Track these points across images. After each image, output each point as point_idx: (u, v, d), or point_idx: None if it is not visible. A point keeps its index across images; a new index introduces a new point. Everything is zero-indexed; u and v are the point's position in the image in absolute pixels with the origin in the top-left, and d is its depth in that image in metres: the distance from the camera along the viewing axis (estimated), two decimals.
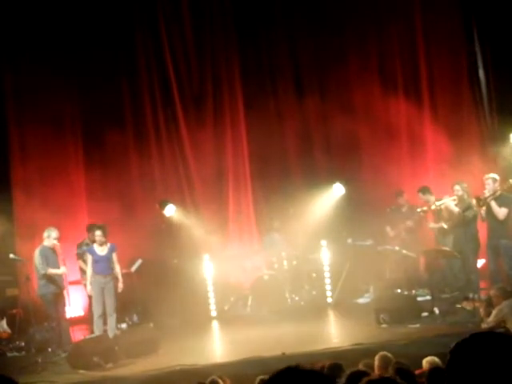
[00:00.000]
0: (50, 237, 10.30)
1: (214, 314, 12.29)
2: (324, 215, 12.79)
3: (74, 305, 11.34)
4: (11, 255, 10.71)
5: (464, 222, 10.78)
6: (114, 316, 10.45)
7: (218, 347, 10.76)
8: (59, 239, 10.38)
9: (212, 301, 12.36)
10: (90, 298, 10.67)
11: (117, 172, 12.68)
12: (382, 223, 12.60)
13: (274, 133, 13.39)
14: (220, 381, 6.23)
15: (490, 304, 9.06)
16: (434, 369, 5.31)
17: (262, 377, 5.74)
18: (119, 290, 10.50)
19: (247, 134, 13.61)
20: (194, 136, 13.49)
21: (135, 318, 12.15)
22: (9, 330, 10.87)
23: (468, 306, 10.20)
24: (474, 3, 13.57)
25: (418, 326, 9.76)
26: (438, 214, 11.52)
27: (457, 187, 10.99)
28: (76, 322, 11.63)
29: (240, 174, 13.70)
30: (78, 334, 11.02)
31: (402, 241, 12.15)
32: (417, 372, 5.81)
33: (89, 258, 10.45)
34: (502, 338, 2.22)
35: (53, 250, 10.38)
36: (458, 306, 10.51)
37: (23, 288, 10.78)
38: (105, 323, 10.46)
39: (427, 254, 11.30)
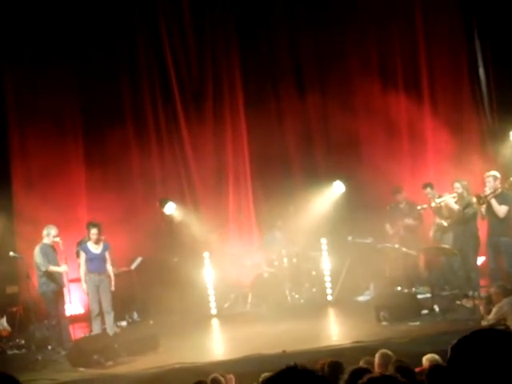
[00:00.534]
0: (50, 234, 10.30)
1: (213, 311, 12.28)
2: (324, 213, 12.80)
3: (75, 303, 11.33)
4: (11, 253, 10.70)
5: (464, 220, 10.78)
6: (112, 314, 10.45)
7: (217, 345, 10.76)
8: (59, 237, 10.37)
9: (212, 298, 12.36)
10: (87, 295, 10.66)
11: (117, 170, 12.69)
12: (382, 221, 12.60)
13: (275, 131, 13.39)
14: (222, 378, 6.22)
15: (489, 301, 9.07)
16: (434, 366, 5.30)
17: (266, 374, 5.75)
18: (112, 288, 10.50)
19: (247, 133, 13.61)
20: (194, 134, 13.49)
21: (135, 315, 12.16)
22: (9, 328, 10.87)
23: (468, 303, 10.22)
24: (475, 2, 13.56)
25: (418, 323, 9.77)
26: (438, 212, 11.51)
27: (457, 185, 10.98)
28: (76, 319, 11.62)
29: (240, 172, 13.70)
30: (78, 332, 11.01)
31: (401, 238, 12.14)
32: (417, 370, 5.81)
33: (82, 256, 10.43)
34: (502, 336, 2.22)
35: (53, 247, 10.38)
36: (458, 303, 10.51)
37: (23, 286, 10.78)
38: (103, 321, 10.46)
39: (427, 251, 11.30)
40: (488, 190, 10.51)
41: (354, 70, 13.75)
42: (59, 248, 10.38)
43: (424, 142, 13.59)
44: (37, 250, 10.25)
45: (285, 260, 12.51)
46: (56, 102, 12.74)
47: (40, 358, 9.58)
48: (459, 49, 13.69)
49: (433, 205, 11.23)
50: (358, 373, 4.22)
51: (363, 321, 10.28)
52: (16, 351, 10.53)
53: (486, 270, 11.11)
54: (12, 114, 12.78)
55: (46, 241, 10.32)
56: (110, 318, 10.42)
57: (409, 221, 12.18)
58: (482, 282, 11.06)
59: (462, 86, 13.72)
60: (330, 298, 12.39)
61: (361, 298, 12.20)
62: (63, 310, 10.63)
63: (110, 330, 10.38)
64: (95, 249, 10.44)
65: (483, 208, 10.56)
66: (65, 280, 10.42)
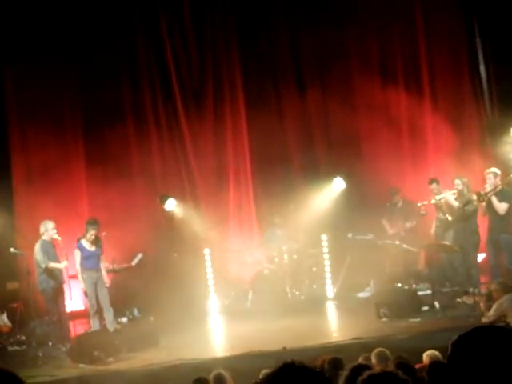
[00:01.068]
0: (48, 230, 10.29)
1: (214, 308, 12.29)
2: (324, 210, 12.79)
3: (75, 299, 11.33)
4: (12, 249, 10.70)
5: (464, 217, 10.78)
6: (111, 310, 10.47)
7: (218, 341, 10.78)
8: (59, 233, 10.37)
9: (212, 295, 12.37)
10: (84, 294, 10.66)
11: (118, 167, 12.68)
12: (381, 218, 12.62)
13: (275, 128, 13.37)
14: (226, 374, 6.22)
15: (490, 298, 9.08)
16: (434, 363, 5.32)
17: (266, 371, 5.75)
18: (107, 285, 10.52)
19: (248, 130, 13.59)
20: (194, 132, 13.48)
21: (136, 312, 12.17)
22: (9, 324, 10.87)
23: (468, 300, 10.22)
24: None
25: (418, 320, 9.79)
26: (439, 208, 11.50)
27: (457, 181, 10.98)
28: (77, 316, 11.63)
29: (241, 170, 13.69)
30: (78, 329, 11.03)
31: (402, 239, 12.14)
32: (417, 366, 5.82)
33: (77, 254, 10.42)
34: (502, 332, 2.22)
35: (52, 243, 10.37)
36: (459, 300, 10.51)
37: (24, 282, 10.78)
38: (102, 318, 10.47)
39: (427, 248, 11.30)
40: (488, 187, 10.51)
41: (354, 68, 13.73)
42: (59, 245, 10.38)
43: (424, 138, 13.58)
44: (37, 246, 10.25)
45: (285, 257, 12.50)
46: (56, 99, 12.74)
47: (40, 354, 9.58)
48: (460, 46, 13.67)
49: (433, 201, 11.22)
50: (359, 369, 4.22)
51: (363, 317, 10.29)
52: (16, 347, 10.53)
53: (487, 267, 11.12)
54: (12, 111, 12.77)
55: (45, 237, 10.31)
56: (109, 315, 10.43)
57: (408, 224, 12.19)
58: (483, 279, 11.06)
59: (462, 84, 13.70)
60: (330, 294, 12.40)
61: (361, 295, 12.21)
62: (63, 306, 10.64)
63: (110, 326, 10.40)
64: (90, 246, 10.45)
65: (483, 205, 10.57)
66: (65, 276, 10.43)
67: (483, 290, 10.15)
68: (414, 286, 11.74)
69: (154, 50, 13.46)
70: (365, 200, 12.82)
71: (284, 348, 8.49)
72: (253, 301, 12.24)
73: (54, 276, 10.26)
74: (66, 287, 10.51)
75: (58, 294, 10.37)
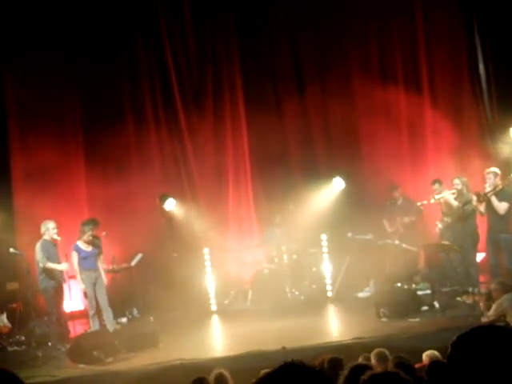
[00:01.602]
0: (49, 229, 10.29)
1: (214, 308, 12.30)
2: (324, 209, 12.79)
3: (75, 299, 11.33)
4: (11, 249, 10.70)
5: (463, 216, 10.79)
6: (110, 310, 10.46)
7: (218, 341, 10.77)
8: (58, 233, 10.37)
9: (212, 295, 12.37)
10: (84, 294, 10.66)
11: (117, 167, 12.69)
12: (381, 217, 12.62)
13: (275, 128, 13.36)
14: (227, 374, 6.22)
15: (489, 298, 9.09)
16: (434, 362, 5.32)
17: (265, 370, 5.75)
18: (105, 284, 10.52)
19: (247, 130, 13.60)
20: (194, 132, 13.48)
21: (135, 312, 12.16)
22: (9, 325, 10.87)
23: (468, 299, 10.22)
24: None
25: (418, 319, 9.79)
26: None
27: (456, 181, 10.98)
28: (77, 316, 11.63)
29: (240, 169, 13.70)
30: (78, 329, 11.03)
31: (401, 235, 12.15)
32: (417, 366, 5.82)
33: (74, 255, 10.41)
34: (502, 332, 2.22)
35: (53, 243, 10.38)
36: (458, 299, 10.52)
37: (23, 282, 10.78)
38: (101, 319, 10.47)
39: (427, 248, 11.30)
40: (488, 187, 10.51)
41: (354, 68, 13.74)
42: (57, 244, 10.38)
43: (424, 138, 13.59)
44: (37, 246, 10.26)
45: (285, 256, 12.50)
46: (56, 100, 12.73)
47: (40, 354, 9.57)
48: (459, 45, 13.68)
49: (432, 201, 11.22)
50: (358, 369, 4.23)
51: (363, 317, 10.30)
52: (16, 347, 10.52)
53: (486, 267, 11.12)
54: (12, 111, 12.76)
55: (46, 237, 10.32)
56: (109, 315, 10.43)
57: (407, 218, 12.18)
58: (482, 279, 11.07)
59: (462, 83, 13.71)
60: (329, 294, 12.41)
61: (361, 295, 12.21)
62: (62, 306, 10.64)
63: (110, 326, 10.40)
64: (86, 247, 10.45)
65: (482, 207, 10.57)
66: (65, 276, 10.43)
67: (483, 289, 10.16)
68: (413, 285, 11.74)
69: (154, 50, 13.46)
70: (364, 200, 12.82)
71: (283, 348, 8.48)
72: (252, 300, 12.25)
73: (54, 276, 10.26)
74: (66, 287, 10.49)
75: (57, 293, 10.38)
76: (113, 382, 8.26)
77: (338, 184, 12.95)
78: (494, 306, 8.76)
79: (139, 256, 12.21)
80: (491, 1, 13.21)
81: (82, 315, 11.77)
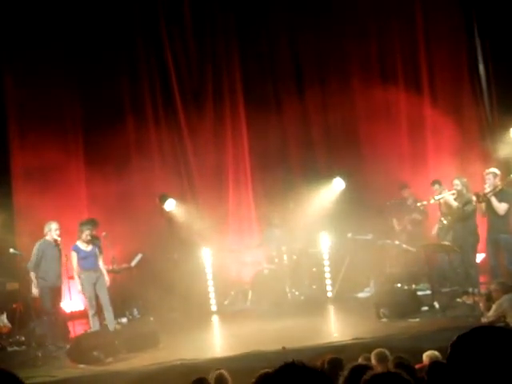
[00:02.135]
0: (51, 230, 10.31)
1: (214, 308, 12.30)
2: (324, 209, 12.79)
3: (75, 299, 11.31)
4: (11, 249, 10.70)
5: (463, 217, 10.78)
6: (111, 309, 10.46)
7: (218, 341, 10.77)
8: (59, 234, 10.37)
9: (212, 295, 12.37)
10: (83, 295, 10.64)
11: (117, 167, 12.68)
12: (382, 217, 12.63)
13: (275, 128, 13.38)
14: (227, 375, 6.22)
15: (489, 298, 9.08)
16: (434, 363, 5.31)
17: (263, 371, 5.76)
18: (107, 284, 10.51)
19: (247, 130, 13.62)
20: (194, 131, 13.49)
21: (135, 312, 12.16)
22: (9, 325, 10.86)
23: (468, 300, 10.21)
24: None
25: (418, 320, 9.79)
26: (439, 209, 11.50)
27: (456, 182, 10.97)
28: (77, 316, 11.62)
29: (240, 169, 13.71)
30: (78, 329, 11.02)
31: (409, 233, 12.16)
32: (417, 366, 5.82)
33: (74, 256, 10.40)
34: (502, 333, 2.22)
35: (55, 243, 10.35)
36: (458, 300, 10.51)
37: (23, 282, 10.77)
38: (104, 317, 10.47)
39: (427, 248, 11.30)
40: (488, 188, 10.51)
41: (354, 68, 13.76)
42: (58, 245, 10.37)
43: (424, 138, 13.59)
44: (35, 246, 10.27)
45: (285, 257, 12.51)
46: (56, 100, 12.73)
47: (40, 354, 9.57)
48: (459, 45, 13.68)
49: (432, 202, 11.22)
50: (359, 369, 4.23)
51: (363, 317, 10.29)
52: (16, 348, 10.51)
53: (487, 267, 11.11)
54: (12, 111, 12.76)
55: (47, 237, 10.33)
56: (109, 314, 10.43)
57: (415, 215, 12.18)
58: (482, 279, 11.06)
59: (462, 83, 13.71)
60: (329, 294, 12.41)
61: (361, 295, 12.21)
62: (59, 307, 10.62)
63: (111, 325, 10.40)
64: (85, 247, 10.44)
65: (483, 206, 10.57)
66: (63, 277, 10.43)
67: (483, 290, 10.16)
68: (413, 286, 11.74)
69: (154, 50, 13.47)
70: (364, 200, 12.82)
71: (283, 348, 8.47)
72: (252, 301, 12.25)
73: (49, 277, 10.22)
74: (65, 288, 10.48)
75: (54, 294, 10.35)
76: (113, 382, 8.26)
77: (338, 184, 12.96)
78: (493, 307, 8.76)
79: (139, 256, 12.21)
80: (491, 1, 13.21)
81: (82, 315, 11.76)
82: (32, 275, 10.26)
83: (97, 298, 10.37)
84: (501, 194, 10.47)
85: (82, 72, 12.87)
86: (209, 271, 12.49)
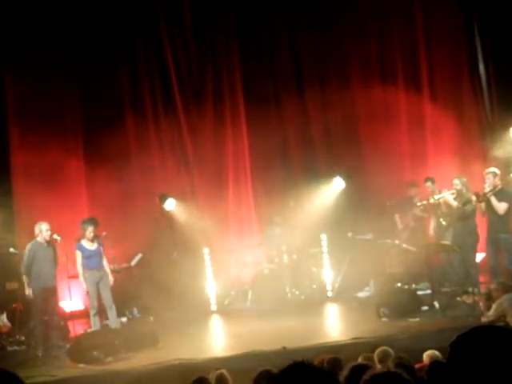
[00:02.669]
0: (42, 231, 10.24)
1: (213, 308, 12.29)
2: (324, 209, 12.80)
3: (75, 299, 11.32)
4: (11, 249, 10.69)
5: (463, 217, 10.78)
6: (114, 308, 10.45)
7: (217, 341, 10.76)
8: (58, 233, 10.35)
9: (212, 295, 12.37)
10: (86, 294, 10.63)
11: (117, 166, 12.67)
12: (382, 217, 12.61)
13: (275, 127, 13.38)
14: (227, 375, 6.21)
15: (489, 298, 9.09)
16: (434, 362, 5.31)
17: (263, 368, 5.77)
18: (110, 283, 10.51)
19: (247, 129, 13.62)
20: (194, 131, 13.49)
21: (135, 311, 12.17)
22: (9, 324, 10.87)
23: (468, 299, 10.22)
24: None
25: (418, 319, 9.79)
26: (437, 209, 11.50)
27: (456, 181, 10.96)
28: (77, 316, 11.63)
29: (240, 168, 13.72)
30: (78, 329, 11.02)
31: (412, 230, 12.16)
32: (417, 366, 5.82)
33: (78, 255, 10.39)
34: (502, 332, 2.21)
35: (49, 244, 10.30)
36: (458, 299, 10.51)
37: (23, 282, 10.76)
38: (104, 317, 10.46)
39: (427, 247, 11.30)
40: (487, 187, 10.51)
41: (354, 68, 13.78)
42: (57, 245, 10.36)
43: (424, 138, 13.60)
44: (26, 247, 10.23)
45: (285, 256, 12.50)
46: (56, 99, 12.72)
47: (40, 354, 9.58)
48: (459, 45, 13.70)
49: (431, 201, 11.22)
50: (358, 369, 4.22)
51: (363, 317, 10.30)
52: (16, 347, 10.52)
53: (486, 267, 11.11)
54: (12, 111, 12.76)
55: (39, 238, 10.26)
56: (112, 313, 10.43)
57: (417, 211, 12.17)
58: (482, 279, 11.06)
59: (462, 83, 13.72)
60: (330, 294, 12.41)
61: (361, 294, 12.21)
62: (56, 307, 10.59)
63: (114, 324, 10.40)
64: (90, 246, 10.44)
65: (483, 205, 10.57)
66: (62, 277, 10.41)
67: (483, 289, 10.16)
68: (413, 285, 11.74)
69: (154, 50, 13.47)
70: (364, 200, 12.83)
71: (284, 348, 8.49)
72: (252, 300, 12.24)
73: (42, 277, 10.18)
74: (65, 288, 10.48)
75: (49, 295, 10.29)
76: (113, 381, 8.26)
77: (338, 184, 12.96)
78: (494, 306, 8.76)
79: (139, 256, 12.21)
80: (491, 1, 13.21)
81: (82, 315, 11.77)
82: (24, 278, 10.22)
83: (99, 297, 10.35)
84: (500, 194, 10.47)
85: (82, 72, 12.87)
86: (209, 271, 12.49)
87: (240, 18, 13.66)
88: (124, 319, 11.80)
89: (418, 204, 11.60)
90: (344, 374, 4.34)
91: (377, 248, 12.25)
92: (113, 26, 13.02)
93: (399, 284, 11.79)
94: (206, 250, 12.52)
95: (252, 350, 8.58)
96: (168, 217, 12.92)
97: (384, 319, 9.93)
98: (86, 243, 10.42)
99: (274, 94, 13.83)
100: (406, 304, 10.27)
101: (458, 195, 10.90)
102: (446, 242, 10.84)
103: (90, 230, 10.38)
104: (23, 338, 10.67)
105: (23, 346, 10.50)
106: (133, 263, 12.15)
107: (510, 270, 10.49)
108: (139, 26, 13.36)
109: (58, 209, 11.62)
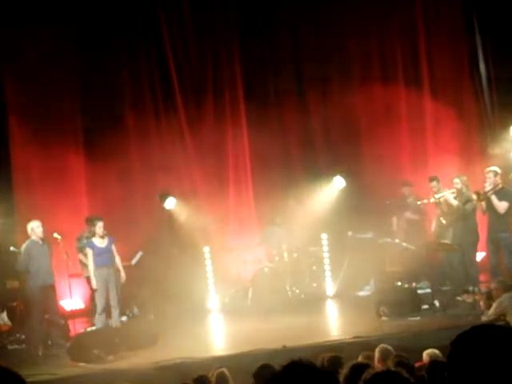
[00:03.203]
0: (33, 229, 10.23)
1: (214, 306, 12.30)
2: (324, 208, 12.79)
3: (76, 298, 11.32)
4: (12, 248, 10.70)
5: (463, 216, 10.78)
6: (118, 308, 10.44)
7: (218, 340, 10.78)
8: (58, 232, 10.36)
9: (212, 293, 12.37)
10: (94, 292, 10.61)
11: (117, 165, 12.67)
12: (382, 216, 12.61)
13: (275, 126, 13.39)
14: (228, 373, 6.22)
15: (490, 297, 9.09)
16: (434, 361, 5.32)
17: (263, 363, 5.80)
18: (122, 280, 10.49)
19: (248, 128, 13.62)
20: (194, 130, 13.49)
21: (136, 310, 12.17)
22: (9, 323, 10.86)
23: (468, 298, 10.22)
24: None
25: (418, 318, 9.79)
26: (439, 207, 11.49)
27: (456, 180, 10.96)
28: (77, 315, 11.64)
29: (240, 167, 13.72)
30: (78, 327, 11.03)
31: (405, 232, 12.15)
32: (417, 365, 5.82)
33: (89, 252, 10.39)
34: (502, 331, 2.22)
35: (42, 241, 10.28)
36: (459, 298, 10.52)
37: (23, 281, 10.77)
38: (107, 316, 10.46)
39: (427, 246, 11.30)
40: (488, 186, 10.50)
41: (354, 67, 13.77)
42: (57, 243, 10.36)
43: (424, 136, 13.60)
44: (22, 247, 10.23)
45: (285, 255, 12.50)
46: (56, 99, 12.73)
47: (40, 352, 9.58)
48: (459, 45, 13.70)
49: (432, 200, 11.21)
50: (359, 368, 4.23)
51: (363, 316, 10.30)
52: (16, 346, 10.52)
53: (487, 266, 11.11)
54: (12, 110, 12.75)
55: (33, 237, 10.25)
56: (116, 313, 10.43)
57: (408, 214, 12.18)
58: (483, 278, 11.07)
59: (462, 82, 13.72)
60: (330, 292, 12.41)
61: (361, 293, 12.22)
62: (54, 306, 10.58)
63: (116, 323, 10.40)
64: (101, 243, 10.41)
65: (483, 204, 10.57)
66: (62, 275, 10.41)
67: (483, 288, 10.16)
68: (413, 284, 11.74)
69: (155, 49, 13.47)
70: (365, 199, 12.82)
71: (284, 346, 8.49)
72: (253, 299, 12.24)
73: (40, 275, 10.18)
74: (65, 286, 10.48)
75: (47, 293, 10.29)
76: (113, 380, 8.25)
77: (338, 183, 12.95)
78: (494, 305, 8.76)
79: (139, 254, 12.22)
80: (492, 0, 13.20)
81: (82, 314, 11.78)
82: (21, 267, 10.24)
83: (107, 296, 10.33)
84: (501, 193, 10.46)
85: (83, 71, 12.87)
86: (209, 269, 12.49)
87: (241, 15, 13.66)
88: (124, 318, 11.80)
89: (418, 203, 11.59)
90: (344, 372, 4.34)
91: (377, 247, 12.25)
92: (113, 23, 13.04)
93: (399, 283, 11.79)
94: (206, 249, 12.53)
95: (252, 349, 8.58)
96: (168, 215, 12.92)
97: (384, 318, 9.93)
98: (96, 241, 10.40)
99: (274, 93, 13.83)
100: (406, 303, 10.27)
101: (459, 194, 10.90)
102: (447, 241, 10.83)
103: (99, 226, 10.36)
104: (23, 337, 10.66)
105: (23, 345, 10.50)
106: (133, 262, 12.15)
107: (510, 269, 10.49)
108: (140, 23, 13.37)
109: (58, 207, 11.63)
